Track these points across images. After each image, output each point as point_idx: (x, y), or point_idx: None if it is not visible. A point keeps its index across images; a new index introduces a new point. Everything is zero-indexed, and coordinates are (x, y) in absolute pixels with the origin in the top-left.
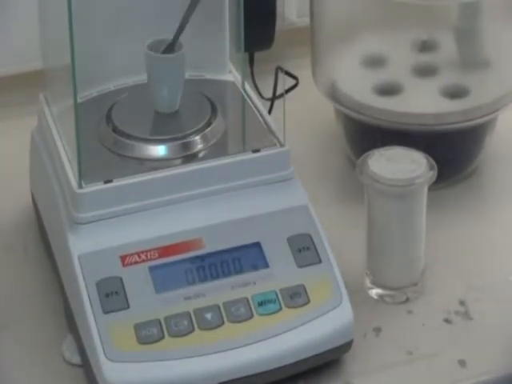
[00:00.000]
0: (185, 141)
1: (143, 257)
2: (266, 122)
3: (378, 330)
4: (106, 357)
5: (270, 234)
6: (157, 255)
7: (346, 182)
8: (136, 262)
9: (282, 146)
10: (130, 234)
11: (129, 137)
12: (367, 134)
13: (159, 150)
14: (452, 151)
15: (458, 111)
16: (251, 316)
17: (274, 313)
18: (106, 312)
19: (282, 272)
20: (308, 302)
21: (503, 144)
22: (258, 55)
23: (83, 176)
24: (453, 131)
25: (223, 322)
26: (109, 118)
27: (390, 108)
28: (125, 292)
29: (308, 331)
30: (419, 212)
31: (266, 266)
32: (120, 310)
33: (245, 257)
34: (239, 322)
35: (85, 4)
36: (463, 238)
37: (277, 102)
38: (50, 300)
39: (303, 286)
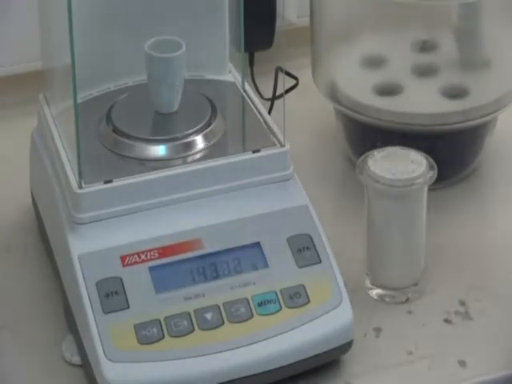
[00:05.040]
0: (185, 141)
1: (143, 257)
2: (265, 122)
3: (378, 330)
4: (106, 357)
5: (270, 234)
6: (157, 255)
7: (346, 182)
8: (136, 262)
9: (282, 145)
10: (130, 234)
11: (129, 137)
12: (367, 134)
13: (159, 150)
14: (452, 151)
15: (458, 111)
16: (251, 316)
17: (273, 313)
18: (106, 312)
19: (281, 272)
20: (308, 302)
21: (503, 144)
22: (257, 55)
23: (83, 176)
24: (453, 131)
25: (223, 322)
26: (109, 118)
27: (390, 108)
28: (125, 292)
29: (308, 331)
30: (419, 212)
31: (266, 266)
32: (120, 310)
33: (245, 257)
34: (239, 322)
35: (85, 4)
36: (463, 238)
37: (277, 102)
38: (50, 300)
39: (303, 286)
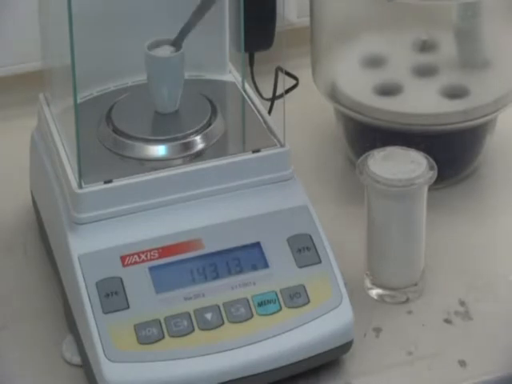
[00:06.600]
0: (185, 141)
1: (143, 257)
2: (265, 122)
3: (377, 330)
4: (106, 357)
5: (270, 234)
6: (157, 255)
7: (346, 182)
8: (136, 262)
9: (282, 146)
10: (130, 234)
11: (129, 137)
12: (367, 134)
13: (159, 150)
14: (452, 151)
15: (458, 111)
16: (251, 316)
17: (273, 313)
18: (105, 312)
19: (281, 272)
20: (308, 302)
21: (503, 144)
22: (258, 55)
23: (83, 176)
24: (453, 131)
25: (223, 322)
26: (109, 118)
27: (390, 108)
28: (125, 292)
29: (308, 331)
30: (419, 212)
31: (266, 266)
32: (120, 310)
33: (245, 257)
34: (239, 322)
35: (85, 4)
36: (463, 238)
37: (277, 102)
38: (50, 300)
39: (303, 286)
